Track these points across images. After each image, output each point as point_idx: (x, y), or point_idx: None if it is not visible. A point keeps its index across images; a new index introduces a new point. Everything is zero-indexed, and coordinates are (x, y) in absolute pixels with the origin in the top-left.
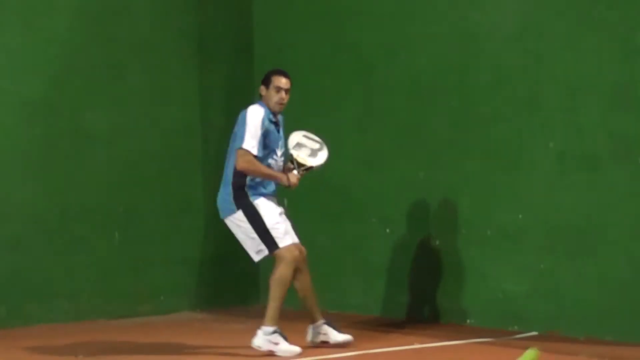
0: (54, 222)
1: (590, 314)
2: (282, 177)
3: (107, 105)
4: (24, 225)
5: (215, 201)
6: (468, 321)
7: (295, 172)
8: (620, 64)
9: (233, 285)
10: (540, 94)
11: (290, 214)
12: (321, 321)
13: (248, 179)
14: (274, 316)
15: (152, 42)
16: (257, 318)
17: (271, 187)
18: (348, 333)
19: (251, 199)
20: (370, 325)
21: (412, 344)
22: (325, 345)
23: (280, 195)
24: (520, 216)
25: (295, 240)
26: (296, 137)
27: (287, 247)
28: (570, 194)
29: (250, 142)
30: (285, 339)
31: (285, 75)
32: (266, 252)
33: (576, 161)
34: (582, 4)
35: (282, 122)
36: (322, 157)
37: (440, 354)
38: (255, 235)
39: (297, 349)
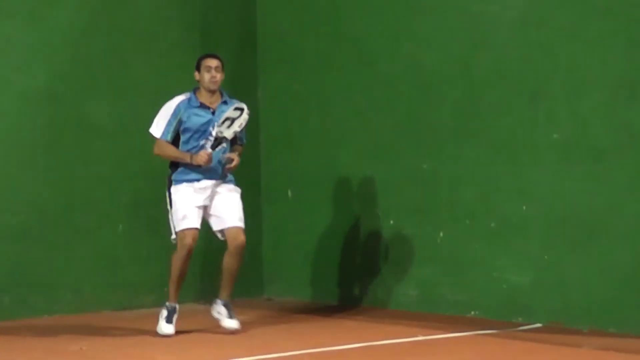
0: (57, 213)
1: (595, 306)
2: (186, 157)
3: (110, 96)
4: (28, 216)
5: None
6: (472, 313)
7: (208, 149)
8: (625, 55)
9: (236, 277)
10: (544, 84)
11: (294, 206)
12: (221, 301)
13: (179, 164)
14: (170, 294)
15: (156, 33)
16: (260, 309)
17: (196, 171)
18: (352, 325)
19: (172, 184)
20: (375, 316)
21: (416, 336)
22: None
23: (284, 186)
24: (524, 207)
25: (191, 225)
26: (226, 113)
27: (180, 233)
28: (574, 185)
29: (156, 127)
30: (170, 319)
31: (213, 55)
32: (173, 236)
33: (580, 152)
34: None
35: (231, 102)
36: (236, 124)
37: (444, 346)
38: (169, 220)
39: (169, 331)
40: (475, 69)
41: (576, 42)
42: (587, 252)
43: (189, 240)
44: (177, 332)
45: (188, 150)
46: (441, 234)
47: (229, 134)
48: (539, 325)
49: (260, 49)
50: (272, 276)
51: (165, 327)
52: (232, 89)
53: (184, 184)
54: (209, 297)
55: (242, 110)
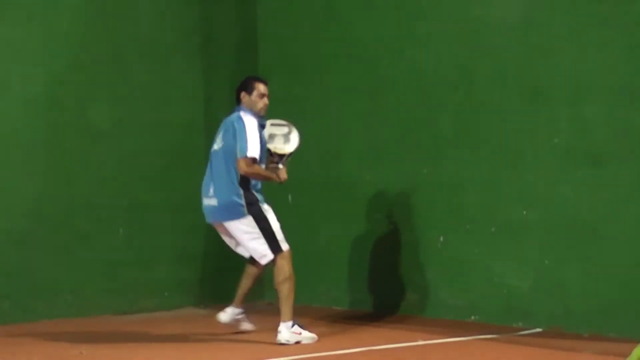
0: (58, 217)
1: (595, 310)
2: (274, 177)
3: (111, 100)
4: (28, 220)
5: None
6: (472, 317)
7: (280, 166)
8: (626, 59)
9: (237, 281)
10: (544, 89)
11: (295, 210)
12: (241, 309)
13: (252, 183)
14: (290, 312)
15: (157, 38)
16: (261, 314)
17: (262, 193)
18: (352, 329)
19: (260, 204)
20: (375, 321)
21: (417, 340)
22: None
23: (284, 192)
24: (524, 212)
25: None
26: (268, 129)
27: (288, 251)
28: (574, 189)
29: (253, 148)
30: (304, 328)
31: (265, 81)
32: (271, 256)
33: (581, 157)
34: None
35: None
36: (295, 139)
37: (444, 350)
38: (263, 240)
39: (315, 336)
40: (475, 74)
41: (576, 47)
42: (587, 257)
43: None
44: (178, 337)
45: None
46: (441, 239)
47: (291, 149)
48: (539, 330)
49: (261, 54)
50: (272, 281)
51: (311, 334)
52: (233, 93)
53: (266, 204)
54: (209, 302)
55: (285, 125)
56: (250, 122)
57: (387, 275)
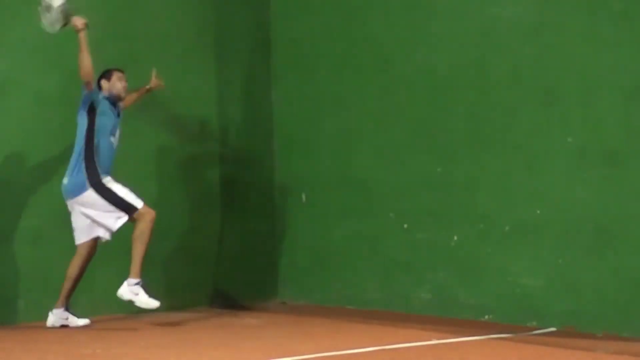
0: None
1: (609, 310)
2: (81, 33)
3: None
4: (43, 220)
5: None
6: (486, 317)
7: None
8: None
9: (250, 281)
10: (558, 88)
11: (309, 210)
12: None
13: (96, 160)
14: (138, 270)
15: (170, 37)
16: (275, 313)
17: (107, 167)
18: (366, 328)
19: (102, 179)
20: (388, 320)
21: (430, 339)
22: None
23: (298, 190)
24: (538, 211)
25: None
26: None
27: (145, 207)
28: (589, 189)
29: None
30: (146, 291)
31: (122, 71)
32: (126, 217)
33: (595, 156)
34: None
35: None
36: None
37: (458, 350)
38: (113, 208)
39: (155, 303)
40: (489, 73)
41: (590, 45)
42: (601, 256)
43: (154, 213)
44: (191, 337)
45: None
46: (455, 238)
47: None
48: (552, 329)
49: (274, 53)
50: (286, 280)
51: (150, 300)
52: (246, 93)
53: (108, 177)
54: (222, 302)
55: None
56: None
57: (401, 274)
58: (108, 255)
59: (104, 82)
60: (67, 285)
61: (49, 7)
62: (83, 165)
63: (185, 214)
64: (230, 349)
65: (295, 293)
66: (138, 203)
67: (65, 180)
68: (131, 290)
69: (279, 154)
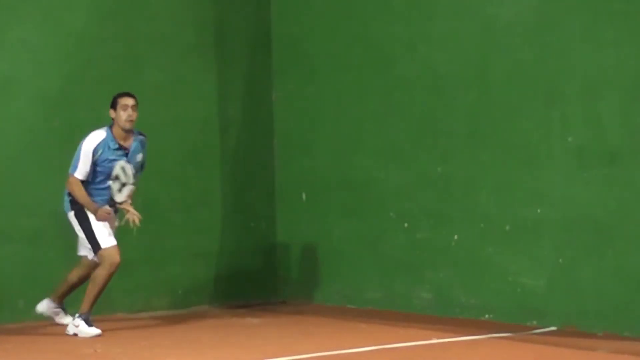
0: None
1: (609, 309)
2: (92, 210)
3: None
4: (42, 219)
5: (231, 195)
6: (486, 316)
7: (107, 207)
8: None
9: (251, 280)
10: (558, 87)
11: (309, 209)
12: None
13: (88, 192)
14: (87, 308)
15: (170, 37)
16: (275, 312)
17: (101, 198)
18: (366, 328)
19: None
20: (389, 319)
21: (431, 339)
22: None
23: (298, 189)
24: (538, 211)
25: (115, 242)
26: (115, 169)
27: (110, 249)
28: (589, 188)
29: (79, 170)
30: (88, 323)
31: (129, 94)
32: (91, 254)
33: (595, 155)
34: None
35: (139, 146)
36: (124, 195)
37: (458, 349)
38: (84, 237)
39: (96, 331)
40: (489, 73)
41: (590, 45)
42: (601, 256)
43: (117, 258)
44: (191, 336)
45: (95, 187)
46: (455, 237)
47: (118, 199)
48: (553, 328)
49: (275, 52)
50: (287, 279)
51: (91, 329)
52: (247, 92)
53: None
54: (223, 301)
55: (128, 177)
56: (89, 141)
57: (401, 274)
58: None
59: (111, 112)
60: (63, 287)
61: (121, 190)
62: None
63: (185, 212)
64: (231, 348)
65: (296, 292)
66: (105, 242)
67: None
68: (73, 324)
69: (279, 153)
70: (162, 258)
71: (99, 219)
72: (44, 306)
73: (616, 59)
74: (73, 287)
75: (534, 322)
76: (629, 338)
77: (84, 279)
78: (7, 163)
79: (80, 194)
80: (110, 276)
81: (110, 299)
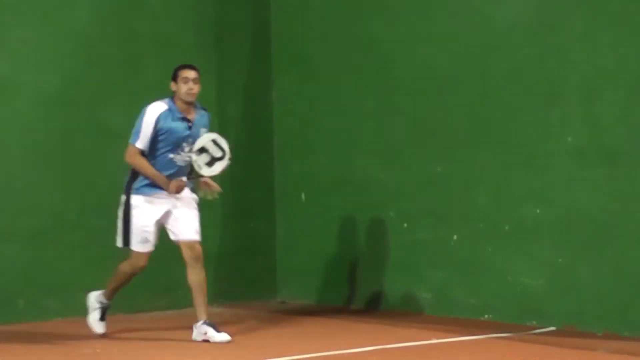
0: (71, 216)
1: (609, 309)
2: (162, 183)
3: (124, 99)
4: (42, 219)
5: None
6: (486, 316)
7: (184, 178)
8: (639, 57)
9: (250, 280)
10: (558, 87)
11: (308, 209)
12: (201, 321)
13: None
14: (104, 292)
15: (170, 36)
16: (274, 312)
17: (166, 172)
18: (365, 328)
19: (132, 194)
20: (388, 319)
21: (430, 339)
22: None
23: (297, 189)
24: (538, 211)
25: (148, 250)
26: (203, 140)
27: (137, 253)
28: (588, 188)
29: (138, 138)
30: (103, 317)
31: (191, 67)
32: (121, 244)
33: (594, 155)
34: None
35: (203, 119)
36: (217, 168)
37: (458, 349)
38: (121, 227)
39: (101, 330)
40: (489, 72)
41: (590, 44)
42: (601, 256)
43: (144, 263)
44: (190, 336)
45: (159, 161)
46: (455, 237)
47: (207, 174)
48: (552, 328)
49: (275, 52)
50: (286, 279)
51: (99, 326)
52: (246, 92)
53: (142, 198)
54: (222, 301)
55: (223, 151)
56: (150, 111)
57: (401, 274)
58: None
59: (172, 85)
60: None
61: (212, 164)
62: (129, 170)
63: None
64: (230, 348)
65: (295, 292)
66: (136, 247)
67: None
68: (95, 299)
69: (278, 153)
70: (161, 258)
71: (172, 191)
72: (92, 298)
73: (616, 59)
74: (192, 290)
75: (534, 322)
76: (628, 338)
77: (189, 276)
78: (7, 163)
79: (142, 164)
80: (131, 276)
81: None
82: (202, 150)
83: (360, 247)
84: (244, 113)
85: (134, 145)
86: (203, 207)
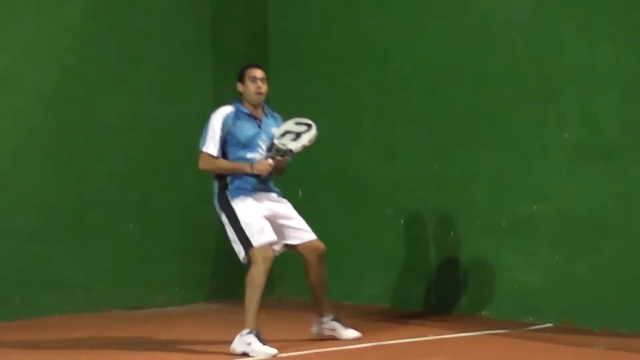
0: (68, 212)
1: (605, 306)
2: (245, 167)
3: (121, 95)
4: (39, 215)
5: None
6: (483, 312)
7: (269, 160)
8: (636, 53)
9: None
10: (554, 84)
11: (306, 205)
12: (328, 317)
13: (228, 178)
14: (248, 318)
15: (167, 33)
16: (272, 309)
17: (252, 183)
18: (363, 324)
19: (230, 199)
20: (385, 316)
21: (427, 336)
22: (334, 338)
23: (294, 185)
24: (535, 207)
25: (272, 238)
26: (285, 126)
27: (259, 247)
28: (585, 184)
29: (208, 143)
30: (261, 340)
31: (258, 66)
32: (243, 253)
33: (591, 152)
34: None
35: (275, 122)
36: (304, 138)
37: (455, 346)
38: (235, 237)
39: (273, 351)
40: (486, 69)
41: (587, 41)
42: (598, 252)
43: (271, 253)
44: (189, 333)
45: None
46: (452, 234)
47: (295, 147)
48: (549, 325)
49: (271, 49)
50: (283, 276)
51: (265, 347)
52: None
53: (241, 197)
54: (220, 297)
55: (309, 125)
56: (215, 115)
57: (397, 271)
58: (106, 252)
59: (239, 86)
60: (316, 300)
61: (298, 136)
62: (215, 183)
63: (182, 208)
64: (227, 346)
65: (292, 289)
66: (256, 239)
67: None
68: (243, 341)
69: None
70: (158, 255)
71: (259, 170)
72: (316, 329)
73: (612, 55)
74: (316, 289)
75: (530, 319)
76: (625, 334)
77: (314, 275)
78: (4, 159)
79: (218, 163)
80: (266, 273)
81: (107, 295)
82: (285, 133)
83: (356, 243)
84: None
85: (205, 152)
86: (199, 203)
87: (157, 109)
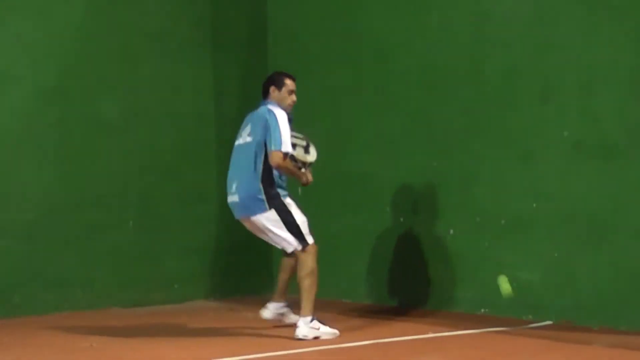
0: (68, 210)
1: (605, 303)
2: (303, 176)
3: (121, 93)
4: (38, 213)
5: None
6: (482, 310)
7: (304, 170)
8: (636, 51)
9: (247, 274)
10: (554, 82)
11: (305, 203)
12: (283, 303)
13: (275, 179)
14: (310, 307)
15: (166, 31)
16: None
17: (286, 187)
18: (362, 322)
19: (282, 198)
20: (385, 314)
21: (427, 333)
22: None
23: (294, 185)
24: (534, 205)
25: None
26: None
27: (313, 245)
28: (584, 182)
29: (283, 143)
30: (324, 323)
31: (295, 78)
32: (295, 246)
33: (591, 150)
34: None
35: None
36: (313, 152)
37: (454, 343)
38: (287, 234)
39: (336, 331)
40: (486, 67)
41: (586, 39)
42: (597, 250)
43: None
44: (188, 330)
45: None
46: (451, 232)
47: (312, 158)
48: (549, 322)
49: (270, 47)
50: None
51: (331, 329)
52: (242, 87)
53: (289, 199)
54: (219, 294)
55: (301, 139)
56: (282, 116)
57: (397, 268)
58: (106, 250)
59: (274, 90)
60: (280, 286)
61: (307, 151)
62: (259, 183)
63: (182, 206)
64: (226, 343)
65: (291, 287)
66: (311, 237)
67: (236, 198)
68: (311, 327)
69: None
70: (158, 253)
71: (307, 181)
72: (269, 311)
73: (612, 53)
74: (288, 279)
75: (530, 316)
76: (625, 332)
77: (292, 269)
78: (3, 157)
79: (292, 166)
80: (315, 262)
81: (106, 292)
82: (295, 146)
83: (356, 242)
84: (240, 108)
85: (281, 151)
86: (199, 201)
87: (156, 107)
